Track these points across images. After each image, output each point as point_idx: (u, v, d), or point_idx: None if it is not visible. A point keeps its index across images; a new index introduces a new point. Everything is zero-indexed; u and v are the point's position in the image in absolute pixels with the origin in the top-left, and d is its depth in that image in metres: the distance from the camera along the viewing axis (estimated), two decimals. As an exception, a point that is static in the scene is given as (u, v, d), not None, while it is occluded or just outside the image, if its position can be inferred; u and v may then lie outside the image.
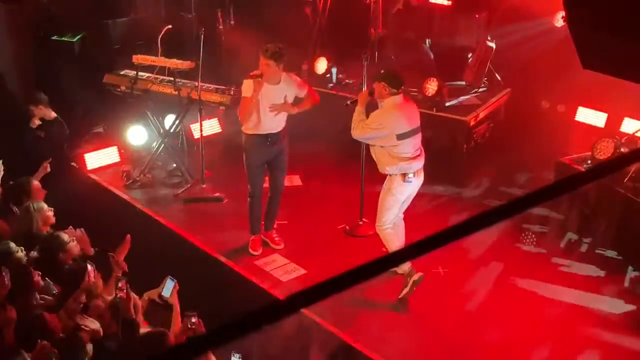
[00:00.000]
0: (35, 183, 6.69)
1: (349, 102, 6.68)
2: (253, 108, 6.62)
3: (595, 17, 3.39)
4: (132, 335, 4.72)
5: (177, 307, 5.41)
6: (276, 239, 7.19)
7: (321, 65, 9.75)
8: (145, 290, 5.71)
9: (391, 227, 6.43)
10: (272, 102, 6.66)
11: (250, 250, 7.02)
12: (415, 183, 6.40)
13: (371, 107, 6.48)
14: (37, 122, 8.32)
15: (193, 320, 4.97)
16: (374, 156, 6.47)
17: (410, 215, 7.67)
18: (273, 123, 6.78)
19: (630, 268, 6.77)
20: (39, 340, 4.46)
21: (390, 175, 6.34)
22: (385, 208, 6.40)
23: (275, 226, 7.30)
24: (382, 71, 6.53)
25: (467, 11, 10.05)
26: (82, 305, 5.02)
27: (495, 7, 9.70)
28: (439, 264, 6.70)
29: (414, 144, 6.32)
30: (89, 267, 5.18)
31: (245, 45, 10.39)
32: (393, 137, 6.20)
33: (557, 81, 9.36)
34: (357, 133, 6.38)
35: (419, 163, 6.38)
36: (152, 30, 9.19)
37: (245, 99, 6.62)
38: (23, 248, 5.70)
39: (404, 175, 6.29)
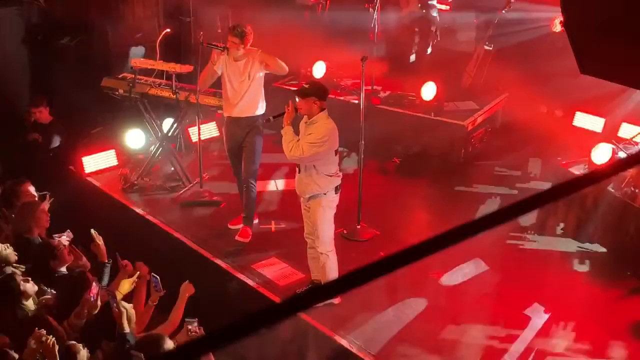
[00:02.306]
0: (28, 186, 6.65)
1: (271, 118, 6.33)
2: (208, 76, 7.15)
3: (593, 22, 3.40)
4: (127, 348, 4.70)
5: (179, 309, 5.37)
6: (241, 231, 7.25)
7: (319, 68, 9.74)
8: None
9: (334, 249, 6.26)
10: (234, 77, 6.96)
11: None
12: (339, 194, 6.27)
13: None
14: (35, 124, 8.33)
15: (190, 327, 4.96)
16: (305, 180, 6.05)
17: (407, 219, 7.69)
18: (238, 106, 6.99)
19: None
20: (36, 329, 4.46)
21: (321, 195, 6.08)
22: (323, 226, 6.14)
23: (255, 221, 7.40)
24: (306, 86, 6.07)
25: (465, 15, 10.08)
26: (84, 321, 4.99)
27: (492, 12, 9.70)
28: (435, 268, 6.69)
29: (337, 159, 6.20)
30: (94, 286, 5.10)
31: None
32: (332, 153, 6.01)
33: (555, 86, 9.37)
34: (297, 153, 5.89)
35: (341, 176, 6.23)
36: (150, 34, 9.20)
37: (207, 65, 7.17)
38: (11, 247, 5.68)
39: (335, 187, 6.12)
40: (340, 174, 6.24)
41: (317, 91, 5.97)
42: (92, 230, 5.98)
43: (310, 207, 6.18)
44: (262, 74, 7.03)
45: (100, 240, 5.92)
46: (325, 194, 6.09)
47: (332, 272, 6.25)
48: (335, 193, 6.16)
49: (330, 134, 5.95)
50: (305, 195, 6.14)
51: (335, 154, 6.09)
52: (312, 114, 5.95)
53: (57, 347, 4.41)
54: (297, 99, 6.01)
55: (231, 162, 7.43)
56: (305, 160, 5.96)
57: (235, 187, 7.59)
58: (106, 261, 5.88)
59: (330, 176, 6.07)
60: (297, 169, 6.18)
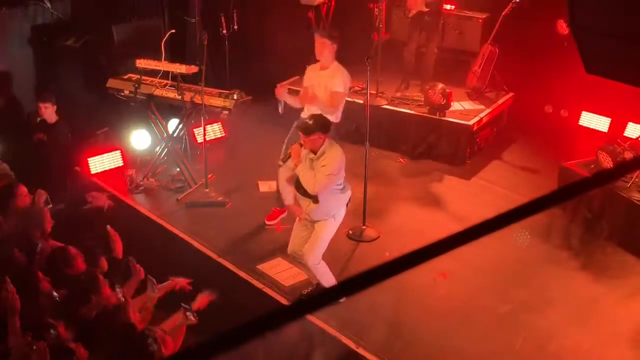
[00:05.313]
0: (21, 187, 6.65)
1: (281, 162, 6.19)
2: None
3: (598, 21, 3.39)
4: (131, 338, 4.72)
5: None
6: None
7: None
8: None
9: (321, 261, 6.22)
10: (317, 86, 7.03)
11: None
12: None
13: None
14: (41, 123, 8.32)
15: (188, 313, 5.01)
16: (323, 209, 6.00)
17: (413, 220, 7.68)
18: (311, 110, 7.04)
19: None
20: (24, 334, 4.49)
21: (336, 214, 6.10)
22: (325, 240, 6.12)
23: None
24: (310, 122, 5.93)
25: (470, 15, 10.07)
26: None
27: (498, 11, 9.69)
28: (439, 270, 6.68)
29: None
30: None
31: (249, 50, 10.43)
32: (343, 174, 6.05)
33: (560, 86, 9.36)
34: (320, 187, 5.83)
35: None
36: (155, 35, 9.21)
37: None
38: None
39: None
40: (348, 185, 6.23)
41: (321, 126, 5.89)
42: (108, 227, 6.04)
43: (321, 222, 6.11)
44: (339, 89, 6.95)
45: (116, 236, 5.96)
46: (338, 210, 6.10)
47: (328, 276, 6.25)
48: (346, 207, 6.20)
49: (340, 160, 5.92)
50: (326, 217, 6.07)
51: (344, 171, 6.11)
52: (317, 148, 5.90)
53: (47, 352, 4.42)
54: (300, 135, 5.93)
55: None
56: (327, 190, 5.93)
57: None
58: (120, 258, 5.89)
59: (344, 192, 6.09)
60: (306, 199, 6.02)
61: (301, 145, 5.91)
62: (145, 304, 5.48)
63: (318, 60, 7.10)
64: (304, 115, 7.08)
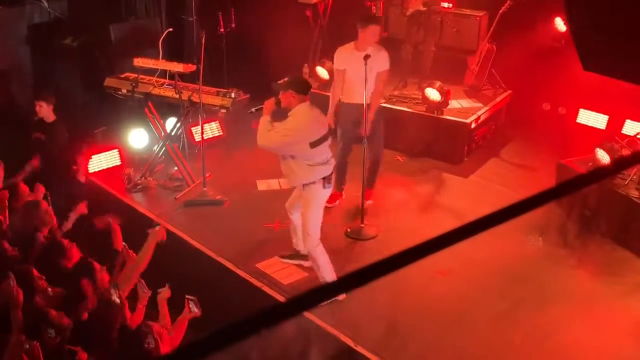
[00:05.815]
0: (22, 185, 6.63)
1: (253, 110, 6.38)
2: (340, 81, 7.44)
3: (596, 19, 3.39)
4: (129, 339, 4.72)
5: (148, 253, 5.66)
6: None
7: (322, 70, 9.71)
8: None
9: (319, 244, 6.29)
10: (354, 68, 7.21)
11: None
12: (330, 189, 6.34)
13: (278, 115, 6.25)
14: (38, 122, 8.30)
15: (191, 305, 5.02)
16: (285, 170, 6.23)
17: (411, 217, 7.68)
18: (357, 94, 7.20)
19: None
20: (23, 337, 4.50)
21: (308, 185, 6.15)
22: (314, 222, 6.21)
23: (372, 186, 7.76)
24: (286, 79, 6.23)
25: (467, 13, 10.07)
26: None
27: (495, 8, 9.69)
28: (439, 266, 6.68)
29: (326, 150, 6.21)
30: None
31: (246, 49, 10.41)
32: (306, 145, 6.02)
33: (558, 83, 9.36)
34: (266, 142, 6.05)
35: (332, 167, 6.26)
36: (153, 34, 9.20)
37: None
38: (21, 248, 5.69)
39: (324, 180, 6.14)
40: (331, 162, 6.24)
41: (294, 84, 6.09)
42: (109, 218, 6.06)
43: (303, 196, 6.28)
44: (386, 67, 7.35)
45: (117, 228, 5.96)
46: (313, 183, 6.12)
47: (326, 265, 6.29)
48: (325, 187, 6.17)
49: (302, 126, 6.00)
50: (294, 184, 6.35)
51: (314, 146, 6.06)
52: (291, 106, 6.05)
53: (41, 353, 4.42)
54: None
55: (343, 145, 7.61)
56: (273, 149, 6.20)
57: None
58: (120, 249, 5.90)
59: (312, 166, 6.09)
60: None
61: (278, 103, 6.10)
62: (137, 306, 5.48)
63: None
64: (348, 100, 7.37)
